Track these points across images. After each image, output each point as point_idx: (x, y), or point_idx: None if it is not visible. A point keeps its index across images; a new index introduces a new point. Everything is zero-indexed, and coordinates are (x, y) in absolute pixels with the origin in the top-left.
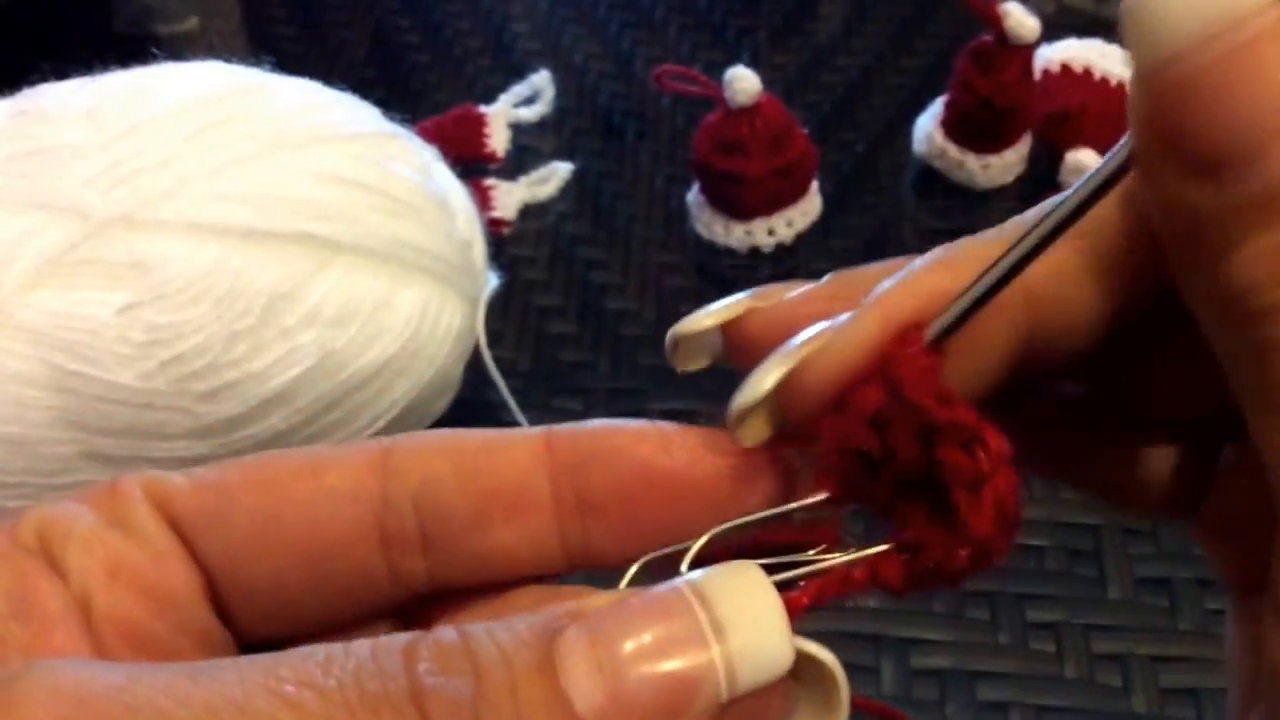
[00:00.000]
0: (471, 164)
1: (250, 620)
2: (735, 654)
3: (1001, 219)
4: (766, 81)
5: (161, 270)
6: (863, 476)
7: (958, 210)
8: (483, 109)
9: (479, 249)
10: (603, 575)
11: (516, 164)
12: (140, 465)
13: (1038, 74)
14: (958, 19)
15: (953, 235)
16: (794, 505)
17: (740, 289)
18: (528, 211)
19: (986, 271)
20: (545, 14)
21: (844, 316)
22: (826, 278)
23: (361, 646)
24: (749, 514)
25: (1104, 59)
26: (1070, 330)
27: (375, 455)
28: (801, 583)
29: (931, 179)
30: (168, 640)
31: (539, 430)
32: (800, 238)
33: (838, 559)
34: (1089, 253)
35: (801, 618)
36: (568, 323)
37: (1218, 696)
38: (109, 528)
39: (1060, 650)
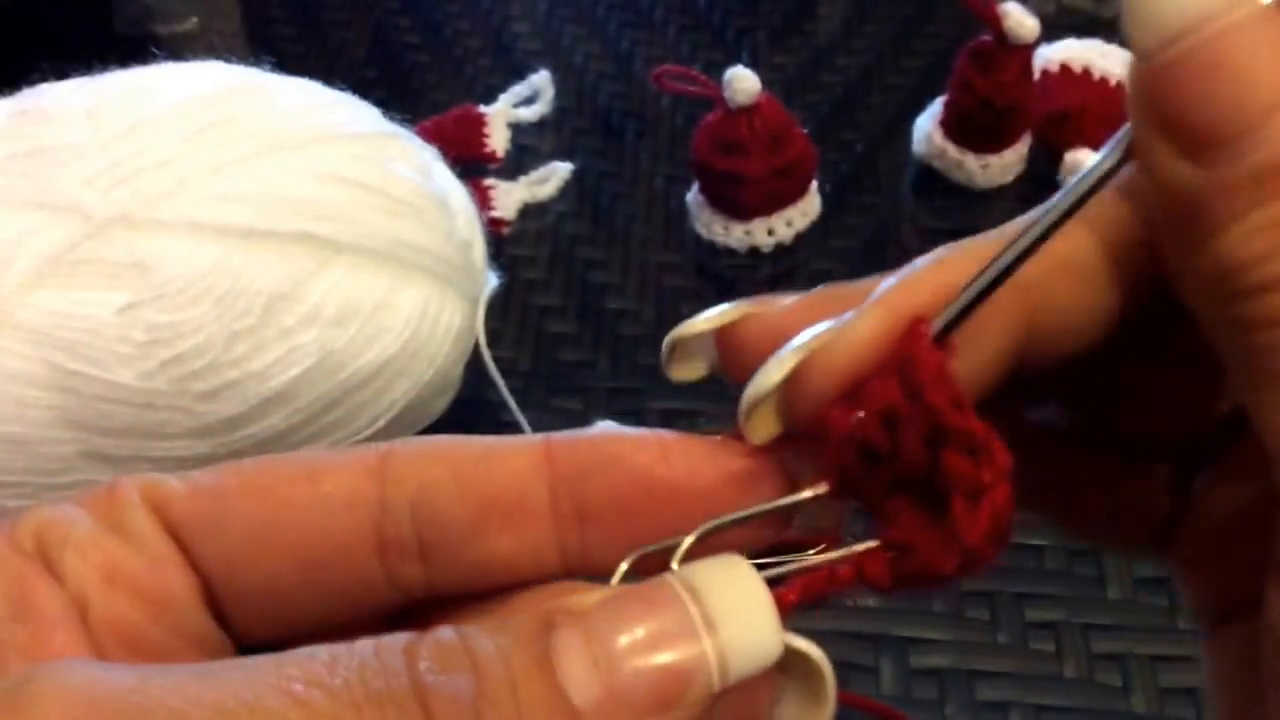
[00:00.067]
0: (471, 164)
1: (247, 624)
2: (726, 646)
3: (1001, 219)
4: (766, 81)
5: (161, 270)
6: (861, 472)
7: (957, 210)
8: (482, 109)
9: (479, 249)
10: (599, 581)
11: (516, 164)
12: (141, 465)
13: (1037, 74)
14: (957, 19)
15: (952, 235)
16: (789, 499)
17: (740, 289)
18: (527, 211)
19: (990, 264)
20: (545, 14)
21: (848, 314)
22: (816, 290)
23: (364, 646)
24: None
25: (1103, 59)
26: (1071, 327)
27: (373, 461)
28: (790, 579)
29: (931, 179)
30: (164, 644)
31: (538, 438)
32: (800, 238)
33: (825, 556)
34: (1098, 246)
35: (791, 613)
36: (567, 322)
37: None
38: (106, 532)
39: (1060, 650)
